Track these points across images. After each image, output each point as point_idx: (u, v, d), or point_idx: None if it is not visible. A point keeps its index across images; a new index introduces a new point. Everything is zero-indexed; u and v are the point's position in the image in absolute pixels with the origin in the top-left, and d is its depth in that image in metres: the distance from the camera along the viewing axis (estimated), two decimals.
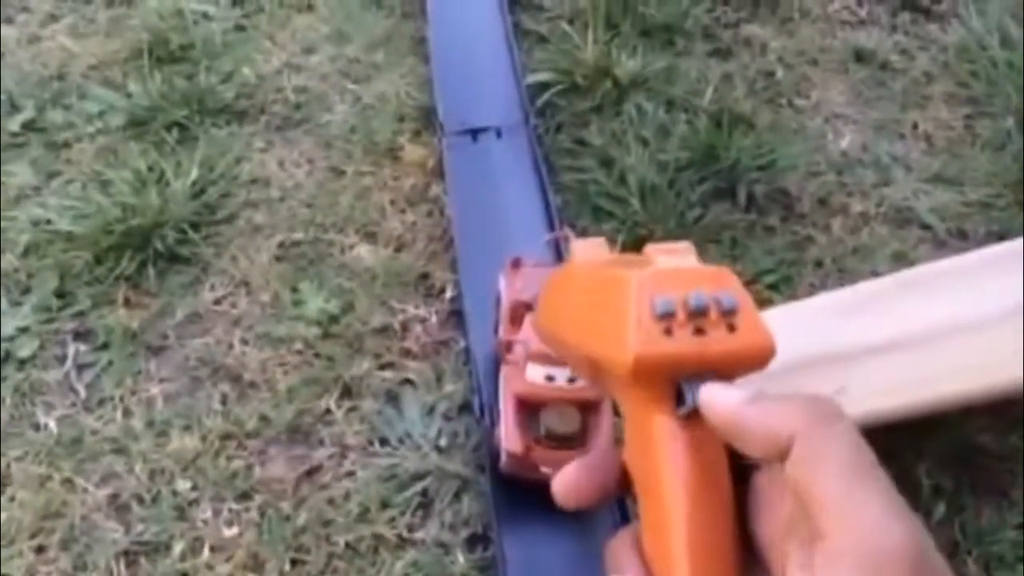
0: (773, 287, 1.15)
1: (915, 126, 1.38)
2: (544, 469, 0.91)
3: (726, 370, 0.31)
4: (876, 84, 1.46)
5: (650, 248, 0.34)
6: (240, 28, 1.55)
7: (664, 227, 1.20)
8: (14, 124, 1.36)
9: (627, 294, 0.31)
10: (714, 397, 0.31)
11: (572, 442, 0.90)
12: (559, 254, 1.14)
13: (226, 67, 1.46)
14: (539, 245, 1.13)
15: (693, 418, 0.31)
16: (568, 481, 0.34)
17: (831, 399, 0.30)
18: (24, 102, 1.39)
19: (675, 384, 0.31)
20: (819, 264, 1.19)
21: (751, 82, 1.44)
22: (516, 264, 1.00)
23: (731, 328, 0.31)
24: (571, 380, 0.91)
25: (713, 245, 1.20)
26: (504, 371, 0.94)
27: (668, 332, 0.31)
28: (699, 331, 0.31)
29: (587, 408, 0.92)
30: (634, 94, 1.38)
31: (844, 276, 1.15)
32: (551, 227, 1.17)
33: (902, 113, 1.41)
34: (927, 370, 0.93)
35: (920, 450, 0.98)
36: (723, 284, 0.32)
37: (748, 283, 1.15)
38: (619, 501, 0.94)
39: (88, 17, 1.57)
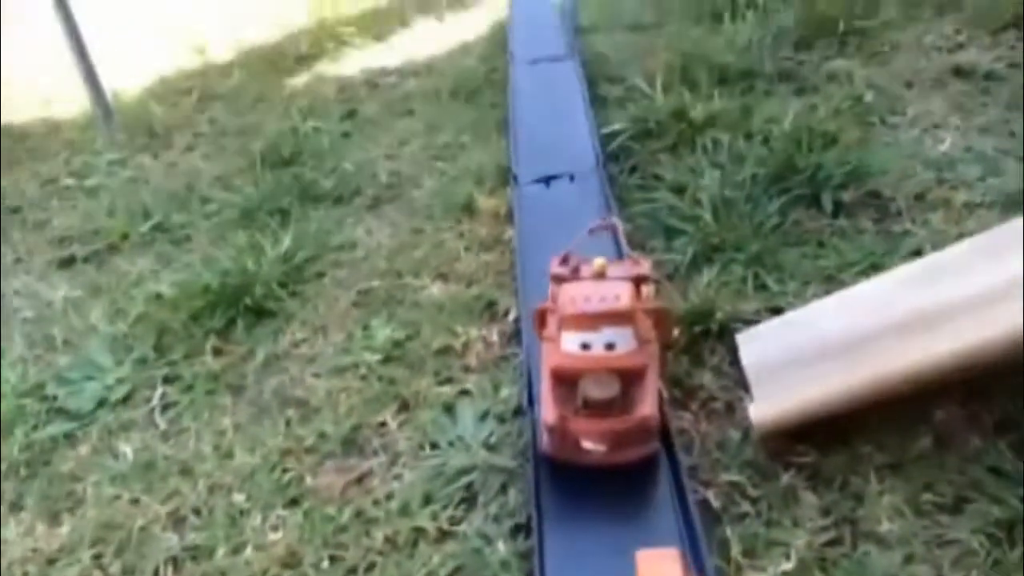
0: (863, 275, 1.05)
1: None
2: (585, 444, 0.84)
3: None
4: (980, 93, 1.36)
5: None
6: (346, 135, 1.69)
7: (738, 234, 1.14)
8: (144, 227, 1.51)
9: None
10: None
11: (611, 409, 0.83)
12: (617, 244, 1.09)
13: (329, 164, 1.58)
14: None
15: None
16: None
17: None
18: (155, 210, 1.55)
19: None
20: (918, 253, 1.07)
21: (836, 106, 1.38)
22: (564, 260, 0.98)
23: None
24: (608, 347, 0.85)
25: (794, 248, 1.12)
26: (543, 348, 0.89)
27: None
28: None
29: (628, 376, 0.85)
30: (709, 130, 1.36)
31: None
32: (619, 254, 1.13)
33: (1010, 114, 1.30)
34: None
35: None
36: None
37: (834, 275, 1.06)
38: (677, 483, 0.84)
39: (219, 144, 1.76)
